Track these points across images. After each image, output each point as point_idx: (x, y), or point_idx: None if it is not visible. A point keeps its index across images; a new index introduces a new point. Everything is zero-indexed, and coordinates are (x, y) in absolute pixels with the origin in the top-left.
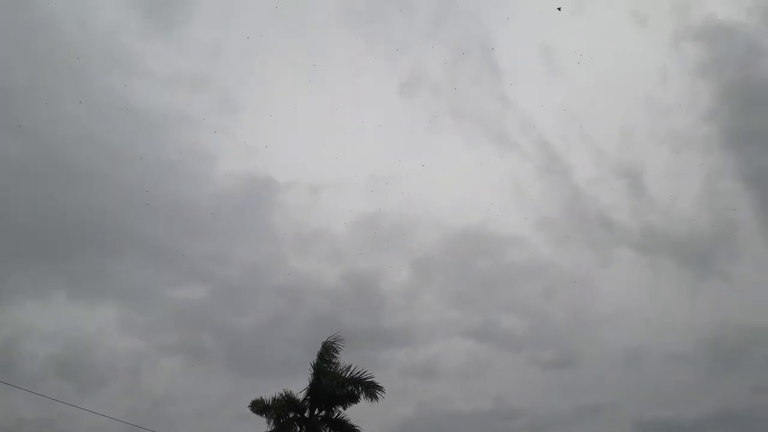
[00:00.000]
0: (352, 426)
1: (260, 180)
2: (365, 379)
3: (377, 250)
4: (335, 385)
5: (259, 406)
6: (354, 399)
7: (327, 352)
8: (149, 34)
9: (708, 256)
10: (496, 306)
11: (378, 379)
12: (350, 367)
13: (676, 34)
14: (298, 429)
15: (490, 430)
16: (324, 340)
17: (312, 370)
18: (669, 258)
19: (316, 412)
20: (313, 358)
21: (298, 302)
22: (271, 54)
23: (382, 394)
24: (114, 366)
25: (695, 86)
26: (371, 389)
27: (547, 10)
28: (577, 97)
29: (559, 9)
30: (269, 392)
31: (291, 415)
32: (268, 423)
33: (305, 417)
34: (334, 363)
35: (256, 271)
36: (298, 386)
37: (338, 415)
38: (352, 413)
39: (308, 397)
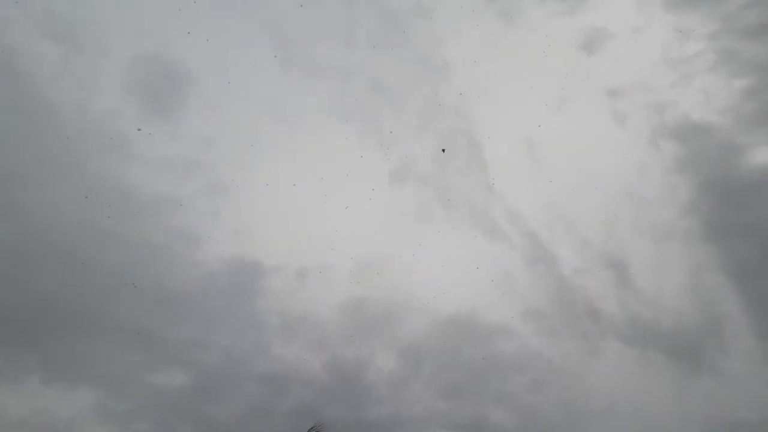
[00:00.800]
0: None
1: (247, 263)
2: None
3: (364, 337)
4: None
5: None
6: None
7: None
8: (145, 119)
9: (697, 350)
10: (485, 398)
11: None
12: None
13: (654, 133)
14: None
15: None
16: (306, 430)
17: None
18: (658, 351)
19: None
20: None
21: (281, 391)
22: (264, 141)
23: None
24: None
25: (674, 181)
26: None
27: (530, 107)
28: (561, 190)
29: (443, 150)
30: None
31: None
32: None
33: None
34: None
35: (238, 358)
36: None
37: None
38: None
39: None
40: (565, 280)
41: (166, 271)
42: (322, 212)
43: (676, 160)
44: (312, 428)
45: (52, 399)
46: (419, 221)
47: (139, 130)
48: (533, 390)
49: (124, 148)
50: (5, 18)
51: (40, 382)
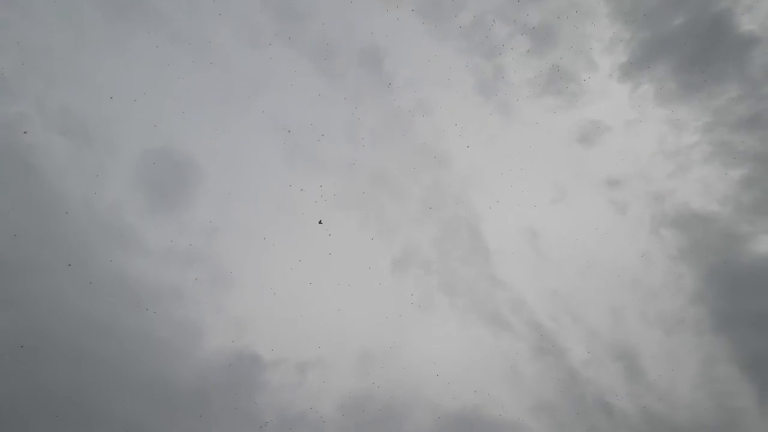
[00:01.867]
0: None
1: (246, 357)
2: None
3: None
4: None
5: None
6: None
7: None
8: (150, 211)
9: None
10: None
11: None
12: None
13: (655, 221)
14: None
15: None
16: None
17: None
18: None
19: None
20: None
21: None
22: (267, 232)
23: None
24: None
25: (679, 269)
26: None
27: (531, 197)
28: (565, 279)
29: (320, 222)
30: None
31: None
32: None
33: None
34: None
35: None
36: None
37: None
38: None
39: None
40: (574, 373)
41: (165, 366)
42: (324, 303)
43: (679, 248)
44: None
45: None
46: (422, 311)
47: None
48: None
49: (129, 239)
50: (23, 113)
51: None
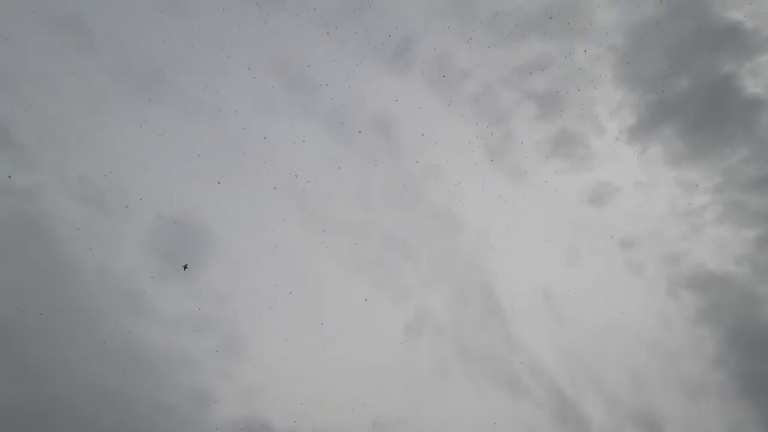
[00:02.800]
0: None
1: (257, 425)
2: None
3: None
4: None
5: None
6: None
7: None
8: (163, 278)
9: None
10: None
11: None
12: None
13: (671, 282)
14: None
15: None
16: None
17: None
18: None
19: None
20: None
21: None
22: (280, 298)
23: None
24: None
25: (699, 332)
26: None
27: (544, 259)
28: (583, 341)
29: (185, 267)
30: None
31: None
32: None
33: None
34: None
35: None
36: None
37: None
38: None
39: None
40: None
41: None
42: (336, 370)
43: (697, 310)
44: None
45: None
46: (438, 376)
47: (151, 277)
48: None
49: (140, 305)
50: (40, 184)
51: None
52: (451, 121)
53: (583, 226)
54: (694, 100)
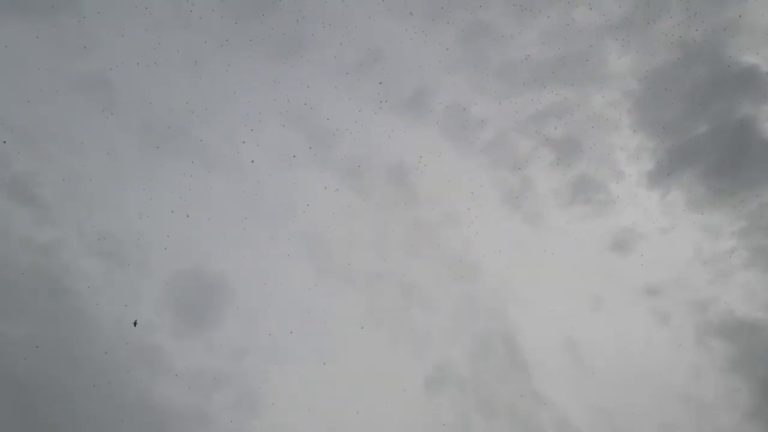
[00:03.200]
0: None
1: None
2: None
3: None
4: None
5: None
6: None
7: None
8: (179, 332)
9: None
10: None
11: None
12: None
13: (699, 331)
14: None
15: None
16: None
17: None
18: None
19: None
20: None
21: None
22: (296, 352)
23: None
24: None
25: (731, 382)
26: None
27: (567, 308)
28: (610, 393)
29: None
30: None
31: None
32: None
33: None
34: None
35: None
36: None
37: None
38: None
39: None
40: None
41: None
42: (354, 425)
43: (728, 359)
44: None
45: None
46: (460, 431)
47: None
48: None
49: (156, 361)
50: (61, 239)
51: None
52: (469, 168)
53: (605, 273)
54: (714, 144)
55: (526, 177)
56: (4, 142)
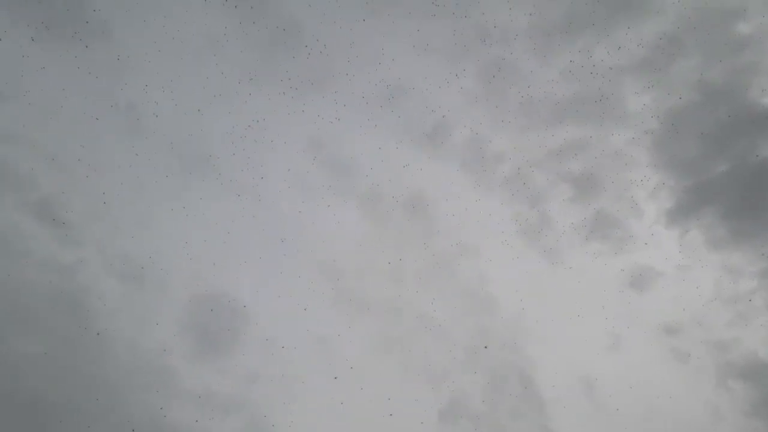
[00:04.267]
0: None
1: None
2: None
3: None
4: None
5: None
6: None
7: None
8: (193, 356)
9: None
10: None
11: None
12: None
13: (720, 372)
14: None
15: None
16: None
17: None
18: None
19: None
20: None
21: None
22: (307, 382)
23: None
24: None
25: (753, 425)
26: None
27: (584, 346)
28: None
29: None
30: None
31: None
32: None
33: None
34: None
35: None
36: None
37: None
38: None
39: None
40: None
41: None
42: None
43: (751, 403)
44: None
45: None
46: None
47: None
48: None
49: (170, 384)
50: (83, 259)
51: None
52: (486, 202)
53: (623, 310)
54: (733, 184)
55: (543, 212)
56: (32, 169)
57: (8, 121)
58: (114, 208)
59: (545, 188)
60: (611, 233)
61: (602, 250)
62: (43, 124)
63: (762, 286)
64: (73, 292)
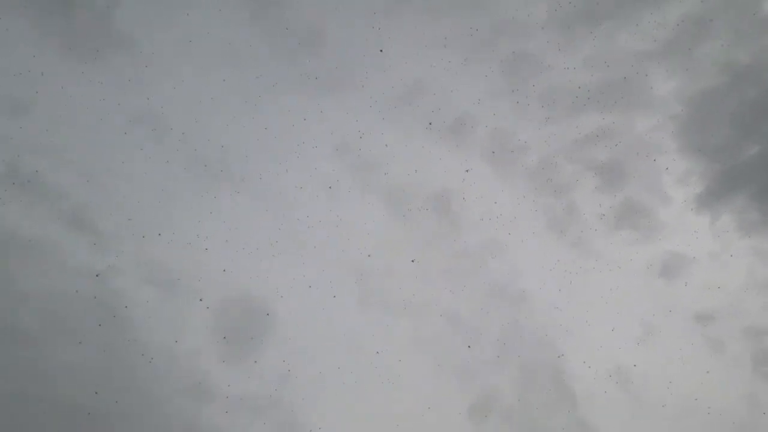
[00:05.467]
0: None
1: None
2: None
3: None
4: None
5: None
6: None
7: None
8: (225, 358)
9: None
10: None
11: None
12: None
13: (757, 360)
14: None
15: None
16: None
17: None
18: None
19: None
20: None
21: None
22: (337, 380)
23: None
24: None
25: None
26: None
27: (616, 336)
28: (663, 424)
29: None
30: None
31: None
32: None
33: None
34: None
35: None
36: None
37: None
38: None
39: None
40: None
41: None
42: None
43: None
44: None
45: None
46: None
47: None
48: None
49: (203, 387)
50: (114, 266)
51: None
52: (512, 194)
53: (655, 300)
54: (764, 166)
55: (570, 203)
56: (62, 179)
57: (37, 134)
58: (142, 216)
59: (571, 178)
60: (640, 222)
61: (631, 239)
62: (70, 136)
63: None
64: (107, 299)
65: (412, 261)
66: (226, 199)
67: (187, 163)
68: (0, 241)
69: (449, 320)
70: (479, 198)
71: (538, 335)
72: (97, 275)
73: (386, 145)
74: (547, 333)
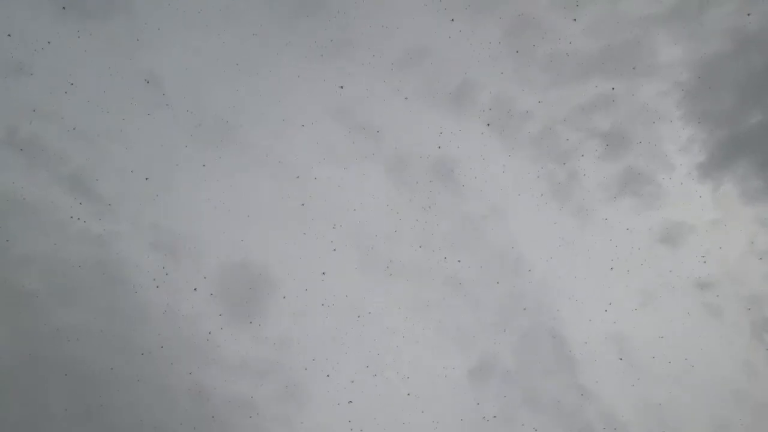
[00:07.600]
0: None
1: None
2: None
3: None
4: None
5: None
6: None
7: None
8: (227, 323)
9: None
10: None
11: None
12: None
13: (756, 327)
14: None
15: None
16: None
17: None
18: None
19: None
20: None
21: None
22: (339, 344)
23: None
24: None
25: None
26: None
27: (615, 302)
28: (660, 389)
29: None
30: None
31: None
32: None
33: None
34: None
35: None
36: None
37: None
38: None
39: None
40: None
41: None
42: (399, 413)
43: None
44: None
45: None
46: (504, 426)
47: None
48: None
49: (205, 351)
50: (117, 231)
51: None
52: (513, 162)
53: (655, 267)
54: None
55: (572, 170)
56: (61, 143)
57: (35, 96)
58: (142, 179)
59: (574, 145)
60: (642, 189)
61: (633, 207)
62: (68, 98)
63: None
64: (110, 263)
65: (416, 226)
66: (224, 162)
67: (183, 126)
68: (1, 205)
69: (450, 285)
70: (480, 164)
71: (538, 301)
72: (98, 237)
73: (388, 110)
74: (547, 299)
